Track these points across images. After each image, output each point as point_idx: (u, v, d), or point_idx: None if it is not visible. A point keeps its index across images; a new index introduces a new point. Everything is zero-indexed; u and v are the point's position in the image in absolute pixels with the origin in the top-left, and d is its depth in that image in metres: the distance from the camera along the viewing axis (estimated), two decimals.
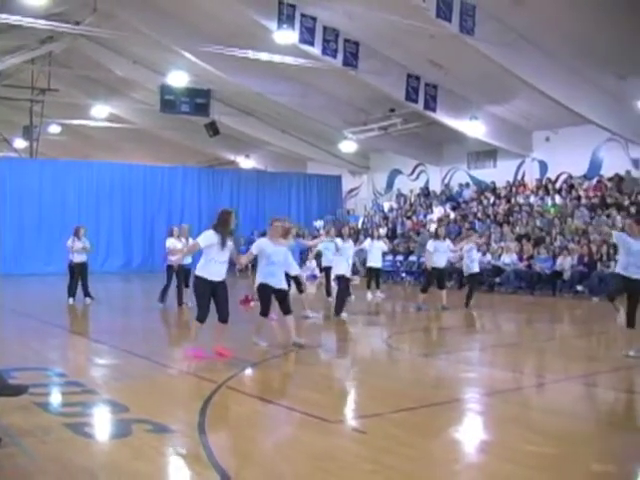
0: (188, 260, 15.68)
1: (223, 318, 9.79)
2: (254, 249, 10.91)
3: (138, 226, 31.36)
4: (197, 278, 9.79)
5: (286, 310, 10.96)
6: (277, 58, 22.34)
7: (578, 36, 18.92)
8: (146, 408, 7.19)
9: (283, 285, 10.96)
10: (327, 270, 17.55)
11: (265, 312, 10.92)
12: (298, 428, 6.57)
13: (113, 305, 18.72)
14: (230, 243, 9.84)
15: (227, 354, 9.74)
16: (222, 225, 9.77)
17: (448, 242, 17.56)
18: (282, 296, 10.96)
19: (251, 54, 22.16)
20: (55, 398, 7.81)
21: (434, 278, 17.06)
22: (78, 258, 17.36)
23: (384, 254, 21.40)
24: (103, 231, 30.24)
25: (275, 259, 10.79)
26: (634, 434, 6.57)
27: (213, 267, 9.64)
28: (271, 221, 11.41)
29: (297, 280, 14.62)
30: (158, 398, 7.86)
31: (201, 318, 9.71)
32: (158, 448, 5.90)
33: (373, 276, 19.90)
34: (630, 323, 10.11)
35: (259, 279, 10.85)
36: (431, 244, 17.18)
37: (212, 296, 9.69)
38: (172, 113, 29.37)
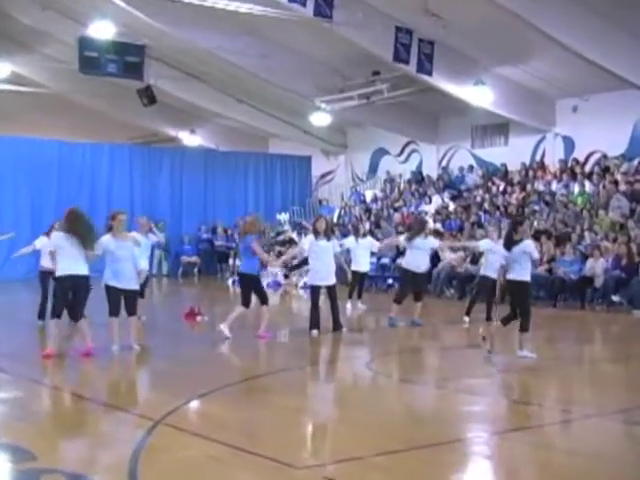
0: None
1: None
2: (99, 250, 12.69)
3: (50, 217, 30.91)
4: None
5: (130, 312, 13.01)
6: (232, 6, 22.21)
7: None
8: (59, 455, 7.14)
9: (131, 285, 12.92)
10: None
11: (115, 312, 12.85)
12: (257, 476, 6.53)
13: (14, 320, 18.35)
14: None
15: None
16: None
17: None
18: (130, 296, 12.94)
19: (198, 0, 22.03)
20: None
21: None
22: None
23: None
24: (6, 223, 29.68)
25: (120, 255, 12.74)
26: None
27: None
28: (113, 215, 13.10)
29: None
30: (75, 441, 7.80)
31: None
32: None
33: (357, 283, 19.75)
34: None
35: (105, 280, 12.80)
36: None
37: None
38: (95, 74, 29.01)
